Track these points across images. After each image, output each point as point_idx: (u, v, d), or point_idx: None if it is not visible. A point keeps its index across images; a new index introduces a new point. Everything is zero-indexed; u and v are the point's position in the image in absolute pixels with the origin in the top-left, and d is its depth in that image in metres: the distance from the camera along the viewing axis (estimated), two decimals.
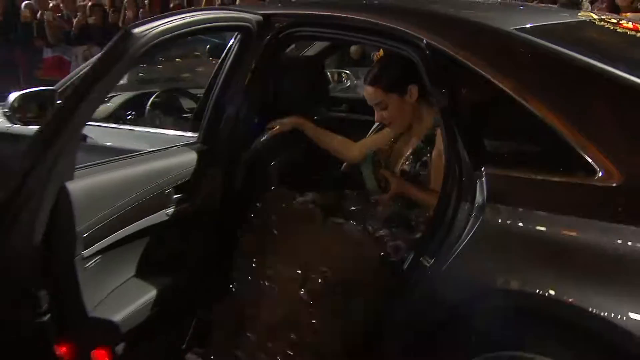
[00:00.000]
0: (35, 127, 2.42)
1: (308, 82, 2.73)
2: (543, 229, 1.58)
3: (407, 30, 1.91)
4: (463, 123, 1.75)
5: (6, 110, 2.49)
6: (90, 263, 1.80)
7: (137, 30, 1.76)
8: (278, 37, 2.23)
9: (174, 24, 1.90)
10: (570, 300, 1.48)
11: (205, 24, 2.05)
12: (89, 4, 8.34)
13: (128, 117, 3.39)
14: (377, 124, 2.56)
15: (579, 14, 2.46)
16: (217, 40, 4.34)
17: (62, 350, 1.81)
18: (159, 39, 1.83)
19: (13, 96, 2.42)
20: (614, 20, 2.26)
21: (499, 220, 1.63)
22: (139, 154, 2.12)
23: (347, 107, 3.36)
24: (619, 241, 1.47)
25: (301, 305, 1.94)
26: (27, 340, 1.78)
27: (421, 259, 1.76)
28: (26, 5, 8.77)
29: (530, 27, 1.90)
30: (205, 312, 2.19)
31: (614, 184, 1.51)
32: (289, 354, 1.93)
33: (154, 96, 3.36)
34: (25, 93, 2.44)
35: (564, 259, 1.54)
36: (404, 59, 2.19)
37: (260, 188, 2.41)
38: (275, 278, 2.01)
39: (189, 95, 3.63)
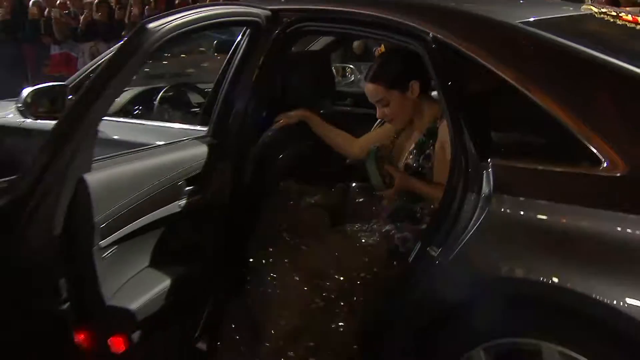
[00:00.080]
0: (45, 122, 2.46)
1: (315, 76, 2.73)
2: (548, 218, 1.59)
3: (413, 24, 1.91)
4: (469, 115, 1.75)
5: (20, 105, 2.49)
6: (107, 253, 1.81)
7: (151, 25, 1.77)
8: (286, 31, 2.23)
9: (187, 18, 1.90)
10: (574, 288, 1.49)
11: (217, 19, 2.05)
12: (96, 0, 8.33)
13: (137, 112, 3.40)
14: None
15: (582, 7, 2.46)
16: (223, 37, 4.34)
17: (80, 337, 1.82)
18: (172, 34, 1.83)
19: (26, 91, 2.42)
20: (614, 13, 2.26)
21: (505, 210, 1.64)
22: (152, 146, 2.12)
23: (351, 101, 3.36)
24: (623, 230, 1.48)
25: (316, 311, 1.95)
26: (48, 328, 1.79)
27: (428, 248, 1.76)
28: (34, 2, 8.77)
29: (534, 20, 1.90)
30: (217, 303, 2.21)
31: (619, 174, 1.52)
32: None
33: (162, 91, 3.36)
34: (38, 88, 2.44)
35: (569, 248, 1.55)
36: (404, 55, 2.21)
37: (268, 181, 2.42)
38: (287, 284, 2.01)
39: (197, 90, 3.64)
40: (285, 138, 2.53)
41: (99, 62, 2.85)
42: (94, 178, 1.73)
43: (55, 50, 8.52)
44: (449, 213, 1.74)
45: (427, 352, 1.79)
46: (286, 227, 2.19)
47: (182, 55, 5.69)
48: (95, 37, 8.14)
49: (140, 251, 2.00)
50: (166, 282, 2.01)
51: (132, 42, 1.76)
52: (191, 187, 2.09)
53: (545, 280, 1.52)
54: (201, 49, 5.93)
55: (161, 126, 2.80)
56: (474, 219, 1.66)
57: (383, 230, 2.12)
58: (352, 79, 4.01)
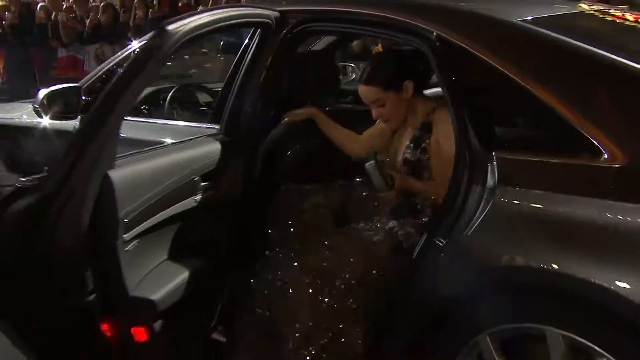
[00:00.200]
0: (60, 122, 2.46)
1: (321, 75, 2.74)
2: (551, 208, 1.60)
3: (417, 24, 1.92)
4: (473, 110, 1.76)
5: (36, 106, 2.49)
6: (130, 246, 1.83)
7: (171, 27, 1.78)
8: (293, 32, 2.24)
9: (203, 20, 1.92)
10: (575, 274, 1.50)
11: (230, 20, 2.06)
12: (102, 4, 8.31)
13: (148, 111, 3.40)
14: None
15: (578, 5, 2.47)
16: (231, 39, 4.34)
17: (105, 327, 1.84)
18: (190, 35, 1.85)
19: (42, 93, 2.42)
20: (603, 9, 2.29)
21: (510, 201, 1.66)
22: (169, 144, 2.14)
23: (352, 98, 3.36)
24: (623, 218, 1.50)
25: (326, 309, 1.96)
26: (75, 318, 1.81)
27: (435, 239, 1.77)
28: (41, 7, 8.74)
29: (533, 18, 1.91)
30: (231, 295, 2.22)
31: (618, 165, 1.53)
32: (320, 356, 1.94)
33: (172, 91, 3.36)
34: (53, 90, 2.44)
35: (570, 236, 1.56)
36: (396, 56, 2.22)
37: (277, 177, 2.43)
38: (298, 286, 2.01)
39: (205, 90, 3.64)
40: (293, 135, 2.54)
41: (112, 64, 2.85)
42: (118, 175, 1.74)
43: (62, 53, 8.48)
44: (454, 205, 1.75)
45: (435, 339, 1.80)
46: (293, 231, 2.20)
47: (185, 57, 5.68)
48: (100, 39, 8.11)
49: (159, 245, 2.02)
50: (184, 274, 2.02)
51: (153, 43, 1.77)
52: (206, 183, 2.11)
53: (547, 267, 1.54)
54: (203, 50, 5.91)
55: (174, 124, 2.80)
56: (479, 210, 1.68)
57: (387, 228, 2.13)
58: (353, 77, 4.02)
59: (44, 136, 2.79)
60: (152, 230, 1.92)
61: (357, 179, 2.45)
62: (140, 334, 1.88)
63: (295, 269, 2.05)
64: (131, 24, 7.84)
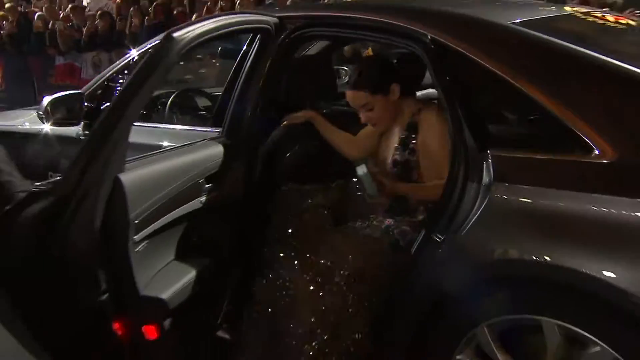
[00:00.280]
0: (62, 128, 2.47)
1: (319, 78, 2.76)
2: (545, 203, 1.62)
3: (412, 27, 1.94)
4: (467, 110, 1.77)
5: (40, 112, 2.50)
6: (140, 247, 1.84)
7: (177, 34, 1.78)
8: (290, 37, 2.26)
9: (207, 27, 1.93)
10: (568, 265, 1.52)
11: (233, 27, 2.08)
12: (98, 12, 8.29)
13: (148, 116, 3.40)
14: None
15: (564, 7, 2.51)
16: (223, 44, 4.34)
17: (117, 326, 1.85)
18: (196, 42, 1.86)
19: (46, 100, 2.43)
20: (586, 11, 2.32)
21: (505, 197, 1.68)
22: (174, 147, 2.15)
23: (346, 101, 3.37)
24: (615, 211, 1.52)
25: (328, 307, 1.96)
26: (89, 318, 1.82)
27: (432, 235, 1.79)
28: (39, 16, 8.74)
29: (522, 20, 1.93)
30: (235, 294, 2.23)
31: (608, 161, 1.55)
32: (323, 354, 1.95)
33: (172, 96, 3.37)
34: (56, 97, 2.45)
35: (563, 229, 1.58)
36: (382, 61, 2.24)
37: (277, 178, 2.45)
38: (300, 286, 2.02)
39: (203, 94, 3.65)
40: (292, 137, 2.56)
41: (112, 72, 2.85)
42: (128, 178, 1.75)
43: (59, 61, 8.47)
44: (451, 202, 1.77)
45: (434, 331, 1.82)
46: (292, 232, 2.20)
47: (180, 63, 5.66)
48: (97, 47, 8.10)
49: (166, 245, 2.03)
50: (191, 274, 2.03)
51: (161, 50, 1.78)
52: (210, 185, 2.12)
53: (540, 259, 1.56)
54: (198, 56, 5.90)
55: (177, 129, 2.82)
56: (475, 206, 1.70)
57: (383, 226, 2.15)
58: (347, 80, 4.03)
59: (48, 142, 2.79)
60: (160, 231, 1.93)
61: (355, 179, 2.46)
62: (150, 332, 1.89)
63: (295, 267, 2.06)
64: (127, 31, 7.83)
